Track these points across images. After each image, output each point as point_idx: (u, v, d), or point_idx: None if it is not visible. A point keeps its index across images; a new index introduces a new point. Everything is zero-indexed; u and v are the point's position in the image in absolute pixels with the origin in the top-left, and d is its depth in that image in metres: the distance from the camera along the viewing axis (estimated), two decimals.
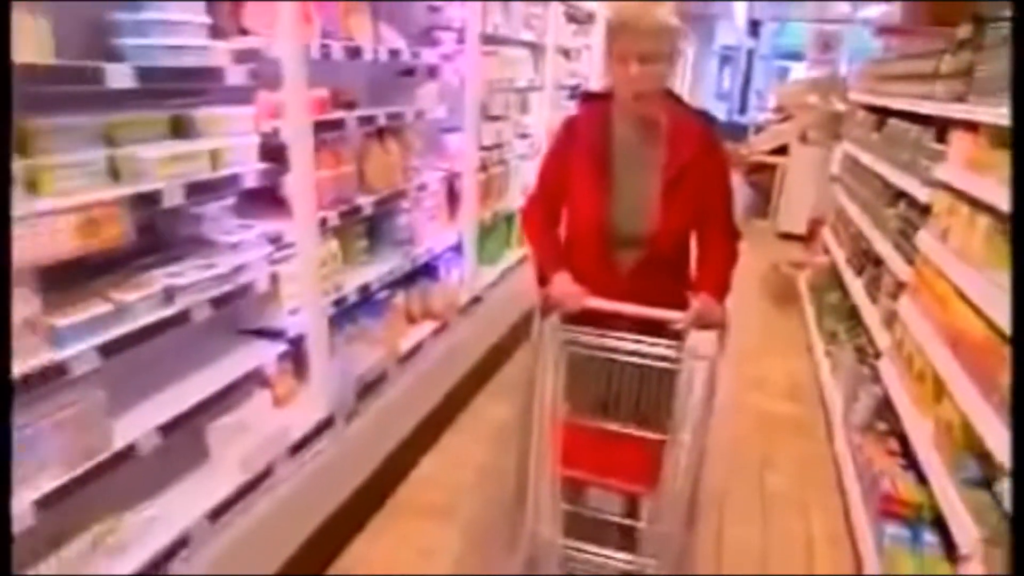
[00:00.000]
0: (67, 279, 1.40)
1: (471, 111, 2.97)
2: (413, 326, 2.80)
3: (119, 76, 1.33)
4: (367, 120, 2.22)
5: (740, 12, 11.84)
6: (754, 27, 13.67)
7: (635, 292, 1.72)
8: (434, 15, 2.82)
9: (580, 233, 1.84)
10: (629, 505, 1.94)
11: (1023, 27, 1.47)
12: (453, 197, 3.15)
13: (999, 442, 1.63)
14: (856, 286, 3.54)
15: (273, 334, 2.00)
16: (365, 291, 2.36)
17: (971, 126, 2.23)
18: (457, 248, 3.12)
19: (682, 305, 1.71)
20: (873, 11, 6.75)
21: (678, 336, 1.77)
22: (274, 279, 1.90)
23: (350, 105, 2.17)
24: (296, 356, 2.09)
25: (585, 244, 1.82)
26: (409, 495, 2.58)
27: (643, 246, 1.76)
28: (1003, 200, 1.84)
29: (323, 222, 2.04)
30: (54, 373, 1.30)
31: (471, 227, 3.13)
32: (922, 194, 2.60)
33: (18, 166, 1.28)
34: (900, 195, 2.99)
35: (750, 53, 14.15)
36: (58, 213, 1.26)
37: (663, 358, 1.74)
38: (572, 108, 5.06)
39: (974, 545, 1.71)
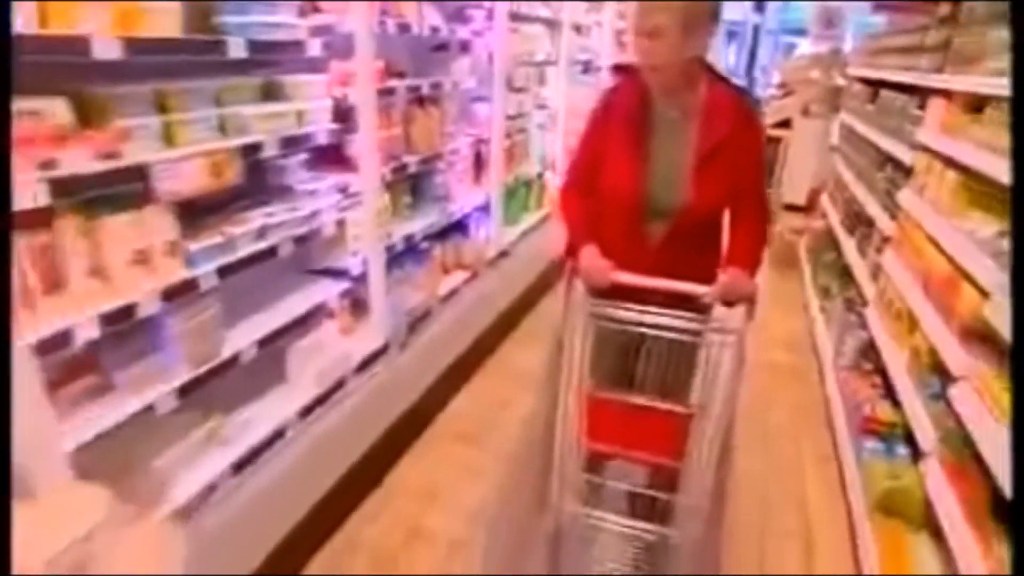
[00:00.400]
0: (190, 214, 1.72)
1: (499, 83, 3.26)
2: (447, 276, 3.13)
3: (236, 48, 1.64)
4: (414, 89, 2.52)
5: None
6: (759, 3, 13.76)
7: (664, 265, 1.72)
8: None
9: (611, 204, 1.82)
10: (654, 477, 1.93)
11: (1023, 23, 1.48)
12: (479, 162, 3.45)
13: (955, 358, 1.96)
14: (849, 245, 3.84)
15: (337, 273, 2.33)
16: (409, 240, 2.69)
17: (947, 94, 2.52)
18: (484, 208, 3.43)
19: (711, 280, 1.70)
20: None
21: (706, 310, 1.76)
22: (340, 224, 2.22)
23: (401, 75, 2.47)
24: (354, 293, 2.42)
25: (616, 215, 1.81)
26: (446, 424, 2.93)
27: (674, 219, 1.75)
28: (969, 157, 2.15)
29: (380, 177, 2.36)
30: (188, 287, 1.63)
31: (498, 189, 3.44)
32: (906, 156, 2.90)
33: (156, 121, 1.59)
34: (888, 159, 3.28)
35: (756, 29, 14.24)
36: (193, 157, 1.58)
37: (690, 331, 1.72)
38: (585, 81, 5.34)
39: (932, 444, 2.05)
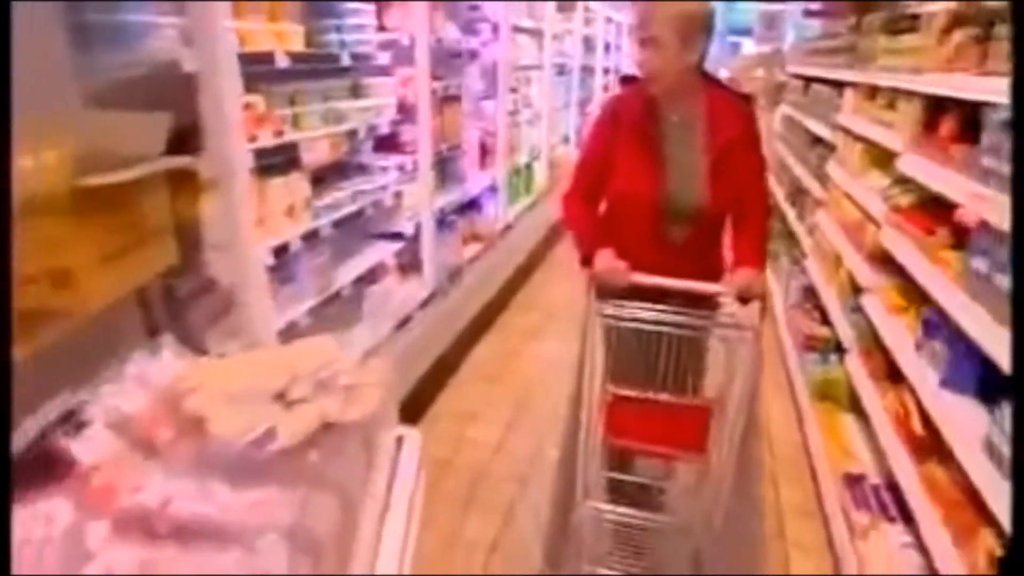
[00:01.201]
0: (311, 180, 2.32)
1: (503, 85, 3.91)
2: (466, 245, 3.76)
3: (345, 59, 2.25)
4: (444, 89, 3.15)
5: None
6: None
7: (683, 266, 1.77)
8: (474, 12, 3.74)
9: (630, 209, 1.85)
10: (674, 474, 2.04)
11: (1023, 23, 1.57)
12: (484, 150, 4.09)
13: (864, 277, 2.68)
14: (791, 215, 4.62)
15: (394, 236, 2.94)
16: (441, 212, 3.31)
17: (854, 85, 3.29)
18: (491, 189, 4.08)
19: (717, 278, 1.81)
20: None
21: (716, 308, 1.85)
22: (398, 196, 2.83)
23: (437, 79, 3.09)
24: (406, 253, 3.03)
25: (635, 220, 1.84)
26: (470, 368, 3.55)
27: (694, 220, 1.81)
28: (864, 130, 2.90)
29: (431, 158, 2.98)
30: (314, 234, 2.23)
31: (503, 172, 4.10)
32: (830, 136, 3.67)
33: (288, 112, 2.18)
34: (817, 139, 4.06)
35: None
36: (320, 138, 2.19)
37: (706, 329, 1.80)
38: (560, 82, 6.04)
39: (851, 342, 2.79)
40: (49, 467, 0.97)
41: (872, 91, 2.99)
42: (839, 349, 3.10)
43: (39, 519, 0.87)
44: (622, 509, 1.91)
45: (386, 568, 1.01)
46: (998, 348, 1.46)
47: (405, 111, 2.74)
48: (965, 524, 1.56)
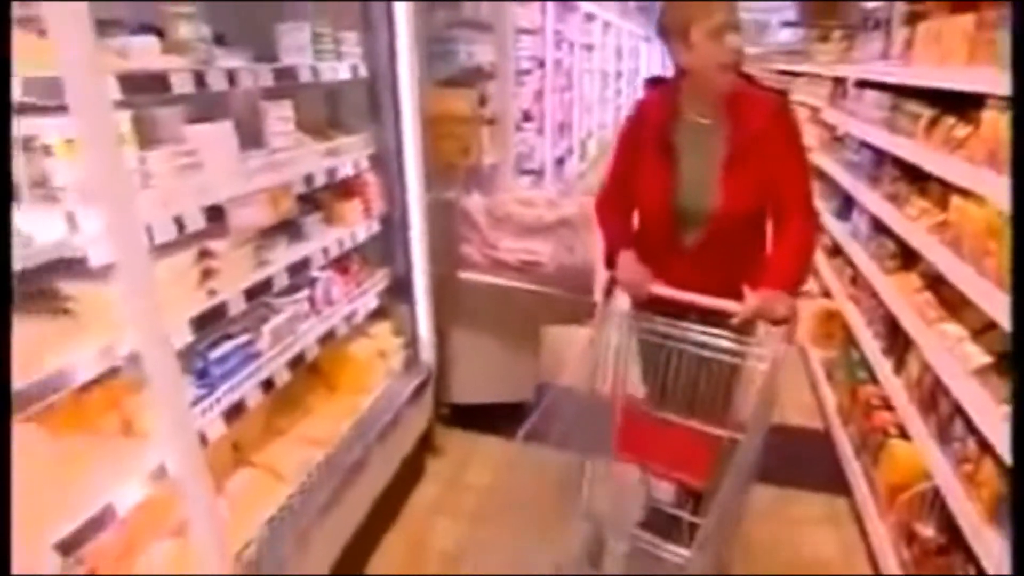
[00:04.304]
0: None
1: (576, 82, 5.90)
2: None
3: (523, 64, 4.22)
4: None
5: None
6: None
7: (702, 273, 1.70)
8: (558, 35, 5.71)
9: (646, 214, 1.83)
10: (682, 495, 1.94)
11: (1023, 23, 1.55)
12: (562, 127, 6.06)
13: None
14: None
15: (532, 171, 4.90)
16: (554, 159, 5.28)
17: (801, 75, 5.26)
18: (569, 151, 6.06)
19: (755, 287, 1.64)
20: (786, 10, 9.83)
21: (746, 326, 1.67)
22: (532, 148, 4.78)
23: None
24: (537, 178, 4.98)
25: (650, 225, 1.82)
26: None
27: (706, 225, 1.72)
28: (809, 101, 4.85)
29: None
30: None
31: (576, 143, 6.10)
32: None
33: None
34: None
35: None
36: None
37: (726, 350, 1.68)
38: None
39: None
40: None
41: (813, 78, 4.96)
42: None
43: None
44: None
45: None
46: None
47: (535, 99, 4.71)
48: None
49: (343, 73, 2.10)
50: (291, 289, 1.95)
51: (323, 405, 2.24)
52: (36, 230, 1.14)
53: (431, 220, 2.58)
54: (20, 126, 1.20)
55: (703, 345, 1.71)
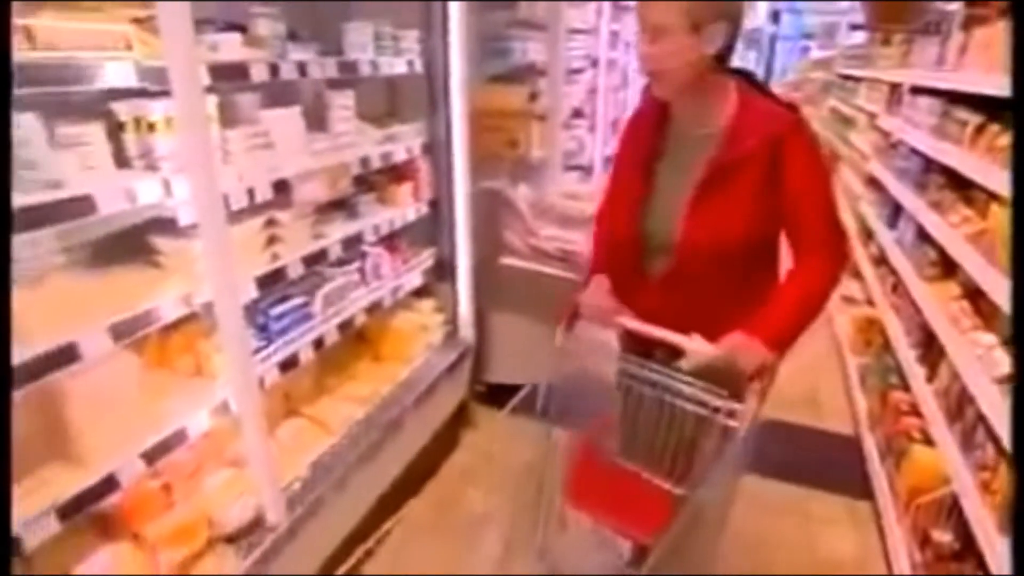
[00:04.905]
0: None
1: (630, 81, 5.97)
2: None
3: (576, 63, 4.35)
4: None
5: (762, 7, 14.68)
6: (775, 14, 16.43)
7: (669, 309, 1.48)
8: (614, 36, 5.81)
9: (614, 234, 1.62)
10: (638, 552, 1.73)
11: (1023, 23, 1.47)
12: (615, 123, 6.13)
13: (861, 192, 4.57)
14: None
15: (581, 167, 5.03)
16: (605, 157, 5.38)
17: (863, 79, 5.18)
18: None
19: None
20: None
21: (710, 374, 1.42)
22: (581, 144, 4.90)
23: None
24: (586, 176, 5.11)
25: (617, 247, 1.60)
26: None
27: (672, 255, 1.49)
28: (869, 104, 4.79)
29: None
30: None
31: None
32: (850, 112, 5.53)
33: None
34: (844, 117, 5.92)
35: (772, 37, 16.89)
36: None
37: (687, 397, 1.45)
38: None
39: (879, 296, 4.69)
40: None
41: (873, 83, 4.89)
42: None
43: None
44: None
45: None
46: None
47: (588, 97, 4.83)
48: None
49: (400, 67, 2.30)
50: (344, 261, 2.17)
51: (367, 370, 2.46)
52: (141, 193, 1.38)
53: (476, 207, 2.76)
54: (130, 107, 1.45)
55: (663, 388, 1.49)
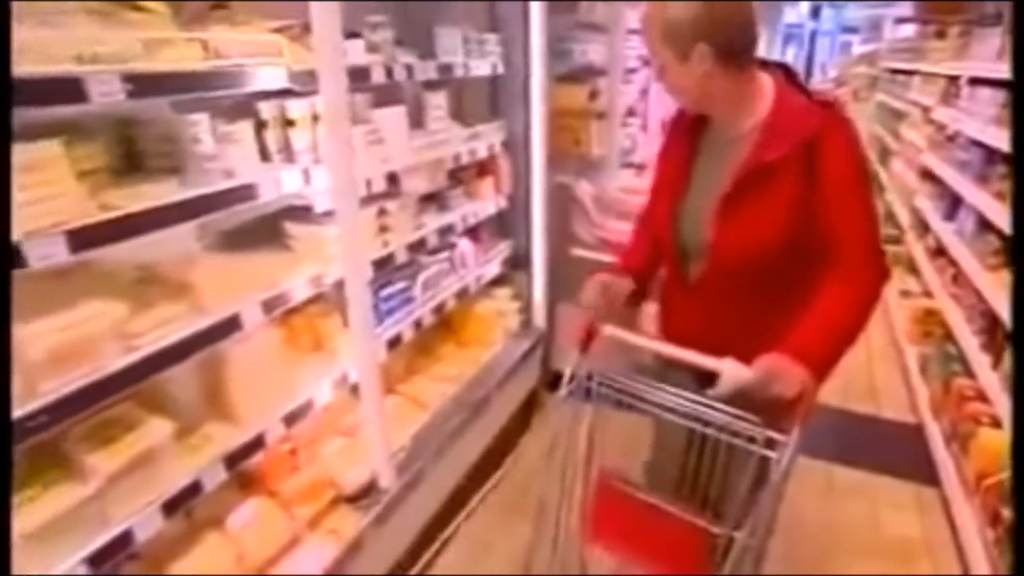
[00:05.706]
0: None
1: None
2: None
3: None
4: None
5: (804, 4, 14.55)
6: (815, 9, 16.23)
7: (708, 317, 1.46)
8: None
9: (656, 237, 1.58)
10: None
11: (1023, 23, 1.36)
12: (663, 123, 6.22)
13: (915, 185, 4.58)
14: (879, 169, 6.45)
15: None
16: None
17: (916, 73, 5.17)
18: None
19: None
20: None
21: (740, 400, 1.29)
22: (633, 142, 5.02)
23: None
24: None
25: (660, 250, 1.57)
26: None
27: (706, 260, 1.44)
28: (923, 98, 4.79)
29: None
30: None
31: None
32: (903, 107, 5.52)
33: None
34: (896, 111, 5.90)
35: (812, 33, 16.68)
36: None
37: (719, 427, 1.31)
38: None
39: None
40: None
41: (927, 76, 4.88)
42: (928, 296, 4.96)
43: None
44: None
45: None
46: None
47: (640, 96, 4.93)
48: None
49: (485, 69, 2.45)
50: (437, 250, 2.33)
51: (452, 353, 2.62)
52: (286, 182, 1.55)
53: (549, 201, 2.90)
54: (271, 107, 1.63)
55: (694, 417, 1.34)
